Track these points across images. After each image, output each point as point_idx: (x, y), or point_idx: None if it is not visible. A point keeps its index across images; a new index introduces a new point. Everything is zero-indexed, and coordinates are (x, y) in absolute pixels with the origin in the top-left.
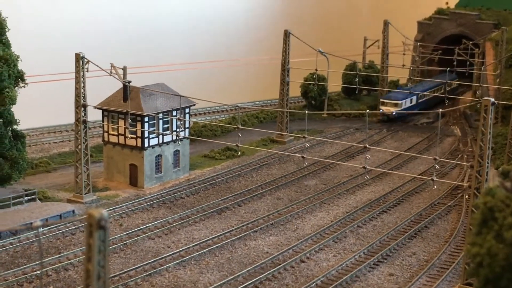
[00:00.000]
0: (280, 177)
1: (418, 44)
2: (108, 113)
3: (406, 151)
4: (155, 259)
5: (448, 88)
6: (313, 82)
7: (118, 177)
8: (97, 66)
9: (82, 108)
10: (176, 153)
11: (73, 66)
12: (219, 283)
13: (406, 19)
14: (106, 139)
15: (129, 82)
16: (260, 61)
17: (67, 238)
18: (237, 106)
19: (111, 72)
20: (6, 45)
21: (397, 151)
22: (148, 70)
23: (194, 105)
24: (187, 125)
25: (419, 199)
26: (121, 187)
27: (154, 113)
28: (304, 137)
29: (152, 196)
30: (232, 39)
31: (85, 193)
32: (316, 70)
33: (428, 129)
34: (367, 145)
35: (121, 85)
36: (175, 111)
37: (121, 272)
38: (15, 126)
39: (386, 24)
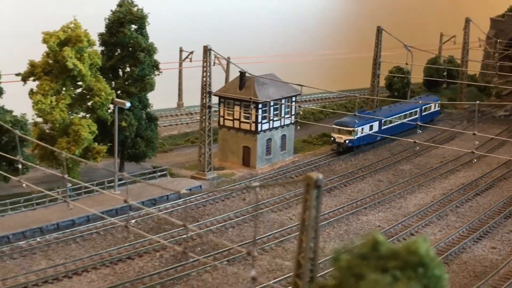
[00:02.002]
0: (376, 162)
1: (498, 40)
2: (224, 99)
3: (489, 141)
4: (282, 228)
5: (425, 113)
6: (399, 75)
7: (231, 158)
8: (222, 57)
9: (208, 95)
10: (283, 137)
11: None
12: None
13: (479, 16)
14: (221, 123)
15: (245, 72)
16: (344, 54)
17: (200, 209)
18: (355, 94)
19: (214, 63)
20: (146, 37)
21: (489, 136)
22: (251, 60)
23: (300, 94)
24: (293, 112)
25: (508, 184)
26: (235, 167)
27: (272, 100)
28: (417, 124)
29: (265, 175)
30: (326, 34)
31: (207, 171)
32: (407, 64)
33: (506, 121)
34: (475, 132)
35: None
36: (284, 99)
37: (257, 238)
38: (148, 110)
39: (467, 21)
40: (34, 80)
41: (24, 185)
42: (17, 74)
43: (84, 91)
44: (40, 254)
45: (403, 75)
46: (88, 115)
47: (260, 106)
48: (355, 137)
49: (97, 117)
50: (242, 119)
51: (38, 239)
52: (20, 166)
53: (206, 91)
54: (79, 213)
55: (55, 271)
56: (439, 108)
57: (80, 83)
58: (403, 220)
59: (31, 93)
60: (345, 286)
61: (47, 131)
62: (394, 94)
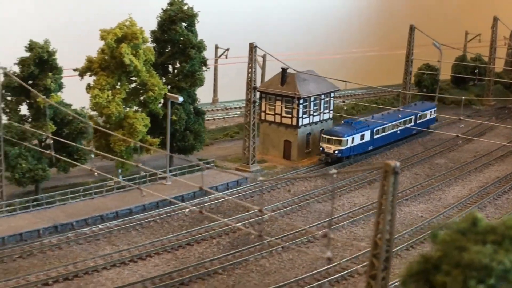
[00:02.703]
0: (411, 156)
1: None
2: (266, 95)
3: None
4: (330, 218)
5: (420, 121)
6: (429, 72)
7: (272, 151)
8: (270, 55)
9: (253, 90)
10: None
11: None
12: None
13: (505, 14)
14: (263, 118)
15: (287, 68)
16: (371, 52)
17: (248, 200)
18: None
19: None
20: (195, 34)
21: None
22: (284, 58)
23: (339, 89)
24: (331, 107)
25: None
26: (276, 160)
27: (315, 95)
28: (460, 119)
29: (306, 168)
30: (353, 32)
31: (252, 163)
32: (439, 61)
33: None
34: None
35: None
36: (323, 95)
37: (306, 227)
38: (196, 104)
39: (495, 20)
40: (90, 75)
41: (96, 173)
42: (74, 70)
43: (138, 86)
44: (103, 240)
45: (434, 72)
46: (140, 109)
47: (301, 101)
48: (345, 147)
49: (149, 111)
50: (284, 114)
51: (100, 226)
52: (92, 155)
53: (251, 86)
54: (135, 202)
55: (121, 256)
56: (435, 116)
57: (134, 78)
58: (444, 211)
59: (88, 87)
60: (449, 257)
61: (102, 124)
62: (422, 91)
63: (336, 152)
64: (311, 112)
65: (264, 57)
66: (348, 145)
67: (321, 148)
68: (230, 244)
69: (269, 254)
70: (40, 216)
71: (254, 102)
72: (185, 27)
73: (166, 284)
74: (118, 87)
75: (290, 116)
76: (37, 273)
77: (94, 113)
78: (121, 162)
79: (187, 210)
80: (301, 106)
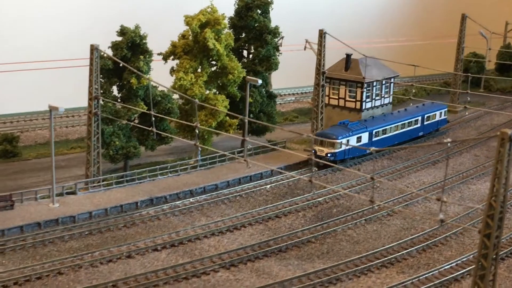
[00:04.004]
0: (467, 139)
1: None
2: (330, 79)
3: None
4: (403, 195)
5: (428, 122)
6: (477, 59)
7: None
8: (338, 40)
9: (322, 75)
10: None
11: None
12: (465, 213)
13: None
14: (326, 101)
15: (351, 54)
16: (417, 41)
17: (322, 178)
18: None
19: (305, 48)
20: (269, 20)
21: None
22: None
23: (398, 75)
24: (391, 92)
25: None
26: None
27: (378, 80)
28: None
29: None
30: (402, 21)
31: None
32: (490, 49)
33: None
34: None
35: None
36: (384, 80)
37: (383, 202)
38: (268, 88)
39: None
40: (173, 59)
41: (199, 149)
42: (158, 54)
43: (218, 69)
44: (197, 212)
45: (482, 59)
46: (218, 92)
47: (365, 86)
48: (338, 150)
49: (227, 94)
50: (347, 98)
51: (191, 200)
52: (197, 131)
53: (320, 71)
54: (219, 178)
55: (217, 226)
56: (445, 117)
57: (214, 62)
58: (510, 189)
59: (172, 70)
60: None
61: (183, 106)
62: (468, 79)
63: (329, 155)
64: (375, 96)
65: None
66: (343, 148)
67: (313, 151)
68: (315, 216)
69: (355, 225)
70: (135, 190)
71: (323, 86)
72: (260, 13)
73: (266, 251)
74: (199, 70)
75: (353, 100)
76: (144, 240)
77: (176, 96)
78: (201, 141)
79: (268, 186)
80: (364, 90)
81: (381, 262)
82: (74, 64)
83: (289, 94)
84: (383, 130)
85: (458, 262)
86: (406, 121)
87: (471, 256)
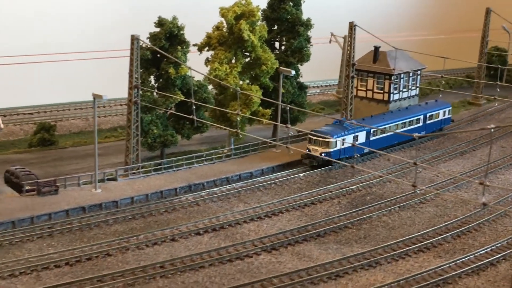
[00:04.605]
0: (509, 125)
1: None
2: (358, 71)
3: None
4: (435, 183)
5: (431, 121)
6: (500, 53)
7: None
8: (368, 32)
9: (352, 67)
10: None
11: None
12: (495, 201)
13: None
14: (354, 93)
15: (379, 46)
16: (444, 35)
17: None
18: None
19: (330, 41)
20: (301, 12)
21: None
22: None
23: (425, 67)
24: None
25: None
26: None
27: (406, 72)
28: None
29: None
30: (423, 16)
31: None
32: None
33: None
34: None
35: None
36: (412, 72)
37: (426, 187)
38: (299, 79)
39: None
40: (208, 50)
41: (290, 132)
42: (194, 45)
43: (251, 60)
44: (234, 199)
45: (504, 53)
46: (251, 83)
47: (393, 77)
48: (333, 149)
49: (260, 85)
50: (375, 90)
51: (227, 187)
52: (238, 119)
53: (350, 63)
54: (254, 167)
55: (255, 212)
56: (450, 116)
57: (248, 53)
58: None
59: (207, 61)
60: None
61: (217, 96)
62: (490, 72)
63: (323, 154)
64: (403, 88)
65: (345, 38)
66: (337, 147)
67: (307, 150)
68: (350, 203)
69: (389, 212)
70: (173, 177)
71: (353, 77)
72: (292, 6)
73: (305, 235)
74: (233, 61)
75: (381, 91)
76: (186, 225)
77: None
78: (235, 131)
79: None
80: (393, 82)
81: (418, 247)
82: (106, 56)
83: (314, 86)
84: (382, 130)
85: (493, 247)
86: (407, 120)
87: (505, 242)
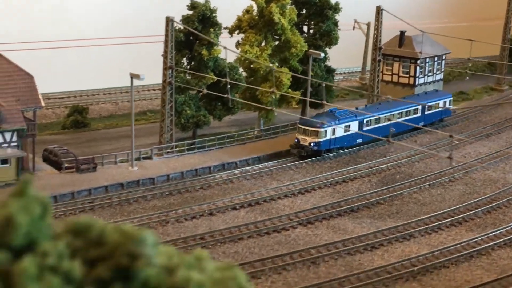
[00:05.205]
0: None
1: None
2: (384, 56)
3: None
4: (465, 162)
5: (429, 112)
6: None
7: None
8: (396, 16)
9: (378, 51)
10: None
11: None
12: None
13: None
14: (380, 78)
15: (405, 31)
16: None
17: (381, 148)
18: None
19: (353, 28)
20: None
21: None
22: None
23: (450, 52)
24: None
25: None
26: None
27: (432, 56)
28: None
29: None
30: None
31: None
32: None
33: None
34: None
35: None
36: (436, 57)
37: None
38: (327, 62)
39: None
40: (238, 33)
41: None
42: (225, 28)
43: (281, 43)
44: (267, 177)
45: None
46: (280, 66)
47: (419, 61)
48: (323, 139)
49: (289, 67)
50: (401, 74)
51: (259, 166)
52: (273, 96)
53: (377, 47)
54: (284, 147)
55: (288, 189)
56: (451, 106)
57: (278, 36)
58: None
59: (238, 44)
60: None
61: (247, 78)
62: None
63: (312, 144)
64: (428, 72)
65: (368, 25)
66: (327, 137)
67: (296, 140)
68: (380, 181)
69: (419, 189)
70: (206, 156)
71: (379, 61)
72: None
73: (339, 210)
74: (263, 44)
75: (407, 75)
76: (222, 200)
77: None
78: (265, 112)
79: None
80: (417, 67)
81: (450, 221)
82: (135, 41)
83: (337, 73)
84: (376, 119)
85: None
86: (403, 111)
87: None
